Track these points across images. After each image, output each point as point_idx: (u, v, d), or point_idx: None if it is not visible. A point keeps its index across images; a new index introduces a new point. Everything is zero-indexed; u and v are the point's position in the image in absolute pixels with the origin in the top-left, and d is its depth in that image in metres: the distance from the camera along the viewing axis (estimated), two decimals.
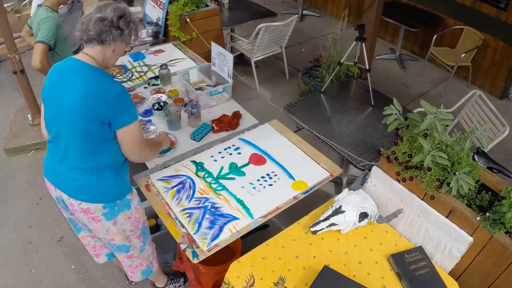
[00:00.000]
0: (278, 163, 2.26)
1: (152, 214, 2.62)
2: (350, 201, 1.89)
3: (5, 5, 3.25)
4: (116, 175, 1.78)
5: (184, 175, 2.17)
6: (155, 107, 2.56)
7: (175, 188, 2.09)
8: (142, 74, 3.04)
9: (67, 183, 1.75)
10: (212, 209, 1.97)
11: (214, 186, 2.10)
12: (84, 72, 1.63)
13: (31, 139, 3.61)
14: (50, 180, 1.81)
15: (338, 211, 1.87)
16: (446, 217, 1.71)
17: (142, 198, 2.03)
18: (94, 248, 2.15)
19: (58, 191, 1.79)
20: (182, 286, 2.50)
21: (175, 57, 3.27)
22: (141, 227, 1.96)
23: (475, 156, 1.90)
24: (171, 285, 2.47)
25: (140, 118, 2.59)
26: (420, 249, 1.81)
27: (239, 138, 2.44)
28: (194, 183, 2.12)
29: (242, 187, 2.10)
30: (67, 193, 1.75)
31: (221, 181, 2.14)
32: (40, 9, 2.76)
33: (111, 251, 2.14)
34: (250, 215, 1.95)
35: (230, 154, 2.32)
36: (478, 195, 1.72)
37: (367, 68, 3.05)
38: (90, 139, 1.66)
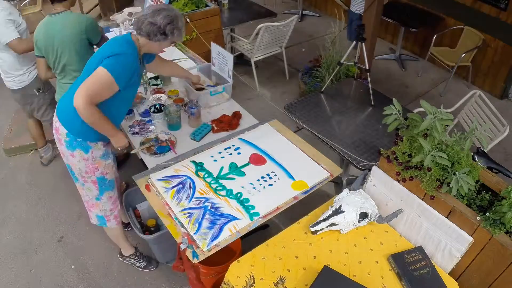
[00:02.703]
0: (278, 163, 2.26)
1: (152, 214, 2.62)
2: (350, 201, 1.89)
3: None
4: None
5: (184, 175, 2.17)
6: (152, 110, 2.55)
7: (175, 188, 2.09)
8: (142, 74, 3.04)
9: (62, 98, 2.10)
10: (212, 209, 1.97)
11: (214, 186, 2.10)
12: (122, 42, 1.99)
13: (31, 139, 3.61)
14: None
15: (338, 211, 1.87)
16: (446, 217, 1.71)
17: (142, 198, 2.03)
18: (88, 203, 2.33)
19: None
20: (145, 270, 2.66)
21: (175, 57, 3.27)
22: (97, 174, 2.17)
23: (475, 156, 1.90)
24: (133, 260, 2.64)
25: (139, 118, 2.60)
26: (420, 249, 1.81)
27: (239, 138, 2.44)
28: (194, 183, 2.12)
29: (242, 187, 2.10)
30: (58, 108, 2.08)
31: (221, 181, 2.14)
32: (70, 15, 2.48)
33: (102, 214, 2.35)
34: (250, 215, 1.95)
35: (230, 154, 2.32)
36: (478, 195, 1.72)
37: (367, 68, 3.05)
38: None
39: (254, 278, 1.68)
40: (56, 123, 2.06)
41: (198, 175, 2.17)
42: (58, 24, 2.43)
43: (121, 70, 1.91)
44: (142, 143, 2.36)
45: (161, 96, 2.70)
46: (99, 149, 2.12)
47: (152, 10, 1.98)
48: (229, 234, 1.85)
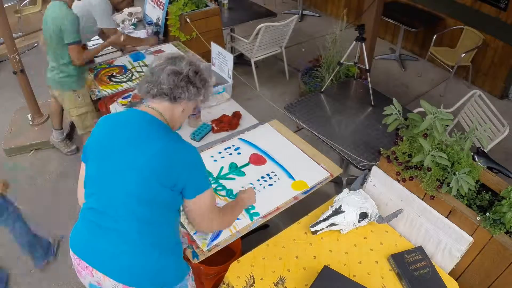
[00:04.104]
0: (278, 163, 2.25)
1: None
2: (350, 201, 1.89)
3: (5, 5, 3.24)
4: (178, 253, 1.53)
5: None
6: None
7: None
8: (142, 74, 3.04)
9: (117, 263, 1.38)
10: None
11: (214, 186, 2.10)
12: (158, 129, 1.42)
13: (31, 139, 3.61)
14: (86, 260, 1.41)
15: (338, 211, 1.87)
16: (446, 217, 1.71)
17: None
18: None
19: (98, 275, 1.39)
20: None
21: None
22: None
23: (475, 156, 1.90)
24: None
25: None
26: (420, 249, 1.81)
27: (239, 138, 2.44)
28: None
29: (242, 187, 2.10)
30: (116, 278, 1.37)
31: (221, 181, 2.14)
32: (55, 4, 2.65)
33: None
34: (250, 215, 1.95)
35: (230, 154, 2.32)
36: (478, 195, 1.72)
37: (367, 68, 3.05)
38: (155, 206, 1.40)
39: (254, 278, 1.68)
40: None
41: None
42: (49, 11, 2.67)
43: (205, 167, 1.52)
44: None
45: None
46: (190, 275, 1.61)
47: (165, 58, 1.46)
48: (229, 234, 1.85)
